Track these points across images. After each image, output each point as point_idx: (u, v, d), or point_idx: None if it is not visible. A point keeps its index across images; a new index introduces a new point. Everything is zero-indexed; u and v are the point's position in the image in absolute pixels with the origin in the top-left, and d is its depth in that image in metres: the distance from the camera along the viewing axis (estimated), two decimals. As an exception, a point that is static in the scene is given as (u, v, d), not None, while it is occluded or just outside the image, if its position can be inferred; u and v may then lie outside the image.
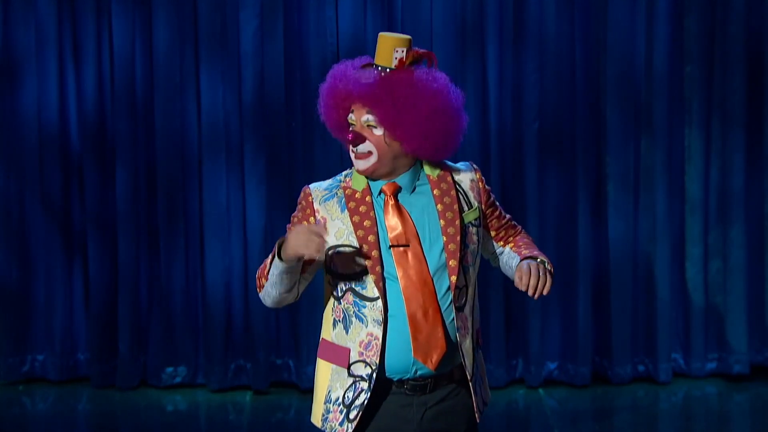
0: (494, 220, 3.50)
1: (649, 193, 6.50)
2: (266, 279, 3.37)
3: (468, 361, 3.38)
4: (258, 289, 3.45)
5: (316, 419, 3.47)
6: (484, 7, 6.39)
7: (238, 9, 6.37)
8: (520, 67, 6.43)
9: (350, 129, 3.35)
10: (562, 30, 6.41)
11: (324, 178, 3.49)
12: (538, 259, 3.39)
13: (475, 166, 3.49)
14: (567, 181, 6.49)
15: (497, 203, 3.53)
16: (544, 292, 3.31)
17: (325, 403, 3.43)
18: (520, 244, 3.52)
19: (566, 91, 6.45)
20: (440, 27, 6.39)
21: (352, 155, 3.37)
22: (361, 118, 3.33)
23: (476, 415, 3.44)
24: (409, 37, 3.35)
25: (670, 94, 6.48)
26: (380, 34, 3.36)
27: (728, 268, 6.58)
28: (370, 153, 3.34)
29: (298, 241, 3.23)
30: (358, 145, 3.33)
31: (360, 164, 3.35)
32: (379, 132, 3.32)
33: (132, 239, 6.46)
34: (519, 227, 3.58)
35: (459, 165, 3.48)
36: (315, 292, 6.36)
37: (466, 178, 3.45)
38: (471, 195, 3.43)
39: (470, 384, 3.40)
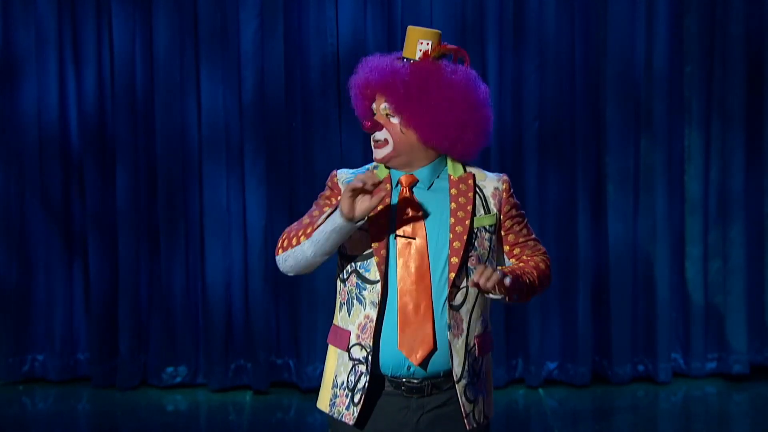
0: (511, 235, 3.44)
1: (649, 193, 6.49)
2: (307, 237, 3.32)
3: (456, 361, 3.33)
4: (280, 250, 3.39)
5: (323, 404, 3.45)
6: (484, 7, 6.39)
7: (238, 9, 6.38)
8: (520, 67, 6.43)
9: (372, 118, 3.39)
10: (562, 30, 6.41)
11: (323, 179, 3.50)
12: (506, 275, 3.26)
13: (505, 177, 3.45)
14: (567, 180, 6.49)
15: (524, 220, 3.46)
16: (481, 283, 3.20)
17: (332, 388, 3.43)
18: (524, 262, 3.44)
19: (566, 91, 6.45)
20: (440, 27, 6.37)
21: (372, 144, 3.40)
22: (380, 106, 3.36)
23: (464, 421, 3.36)
24: (437, 31, 3.37)
25: (670, 94, 6.48)
26: (409, 27, 3.38)
27: (728, 268, 6.59)
28: (386, 141, 3.36)
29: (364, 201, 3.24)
30: (375, 132, 3.37)
31: (377, 153, 3.39)
32: (395, 121, 3.35)
33: (132, 239, 6.46)
34: (541, 250, 3.49)
35: (490, 173, 3.46)
36: (315, 292, 6.38)
37: (491, 185, 3.42)
38: (491, 201, 3.41)
39: (456, 386, 3.34)
